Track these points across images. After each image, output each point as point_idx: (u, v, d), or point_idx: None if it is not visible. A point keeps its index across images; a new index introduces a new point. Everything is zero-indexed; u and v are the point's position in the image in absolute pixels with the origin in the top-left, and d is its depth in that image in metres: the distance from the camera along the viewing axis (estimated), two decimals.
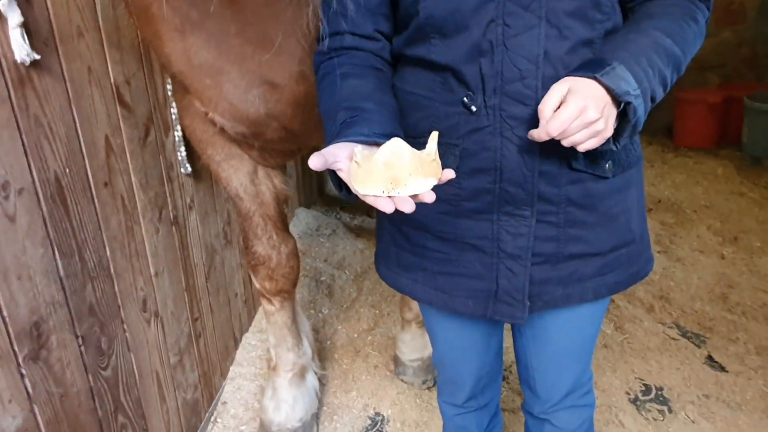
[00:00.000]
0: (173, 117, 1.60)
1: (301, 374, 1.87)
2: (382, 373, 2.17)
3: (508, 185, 0.99)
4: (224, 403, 2.01)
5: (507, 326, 1.30)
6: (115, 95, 1.34)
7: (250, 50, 1.20)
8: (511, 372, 2.11)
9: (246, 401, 2.03)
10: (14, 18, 0.98)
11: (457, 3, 0.90)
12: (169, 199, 1.63)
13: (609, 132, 0.87)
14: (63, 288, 1.15)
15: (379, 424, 1.95)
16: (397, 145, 0.79)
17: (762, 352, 2.21)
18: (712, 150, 4.54)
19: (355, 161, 0.79)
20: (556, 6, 0.89)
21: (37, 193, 1.08)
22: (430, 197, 0.79)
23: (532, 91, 0.91)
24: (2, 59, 0.99)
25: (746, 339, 2.29)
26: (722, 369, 2.15)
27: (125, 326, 1.39)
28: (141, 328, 1.47)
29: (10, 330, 1.01)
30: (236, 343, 2.25)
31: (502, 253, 1.04)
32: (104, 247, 1.30)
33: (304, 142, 1.53)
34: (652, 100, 0.90)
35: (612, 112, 0.86)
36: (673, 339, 2.32)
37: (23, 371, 1.04)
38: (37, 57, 1.04)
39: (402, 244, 1.13)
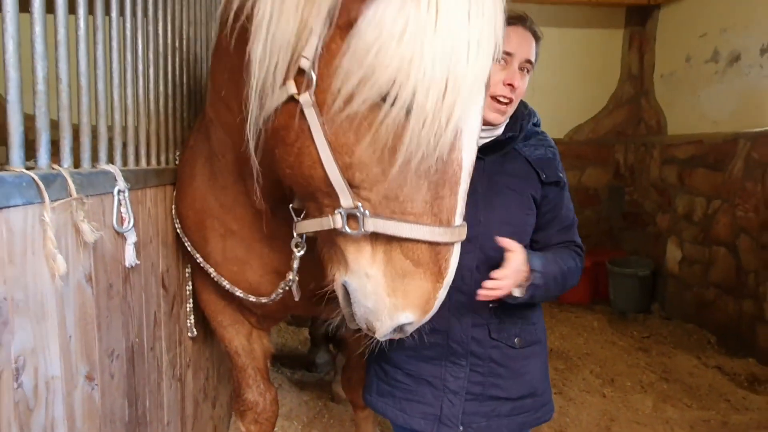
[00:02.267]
0: (188, 292, 2.06)
1: None
2: None
3: (452, 343, 1.57)
4: None
5: None
6: (161, 281, 1.81)
7: (267, 250, 1.75)
8: None
9: None
10: (132, 238, 1.48)
11: None
12: (178, 359, 2.01)
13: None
14: None
15: None
16: None
17: None
18: (588, 305, 5.49)
19: None
20: (485, 243, 1.54)
21: (123, 358, 1.49)
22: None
23: (469, 287, 1.53)
24: (119, 265, 1.47)
25: None
26: None
27: None
28: None
29: None
30: None
31: (446, 388, 1.61)
32: (146, 399, 1.67)
33: (292, 312, 2.04)
34: (548, 287, 1.50)
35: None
36: None
37: None
38: (138, 262, 1.53)
39: (381, 376, 1.68)
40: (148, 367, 1.69)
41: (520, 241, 1.57)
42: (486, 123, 1.54)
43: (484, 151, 1.59)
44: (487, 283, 1.41)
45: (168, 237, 1.87)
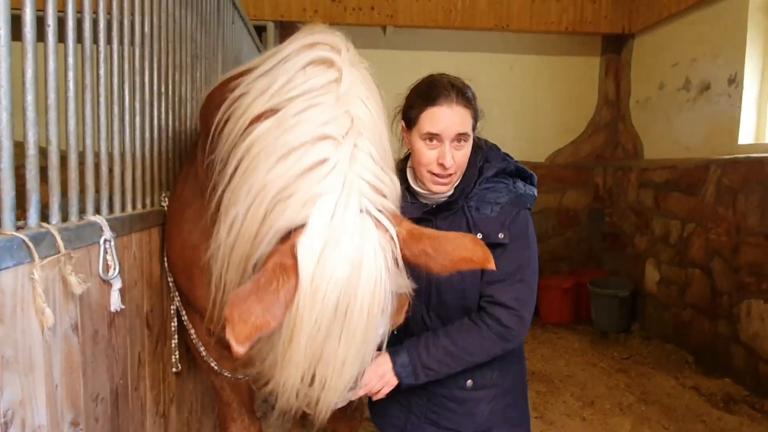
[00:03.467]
0: (173, 328, 2.10)
1: None
2: None
3: None
4: None
5: None
6: (146, 321, 1.86)
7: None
8: None
9: None
10: (117, 284, 1.54)
11: None
12: (162, 396, 2.05)
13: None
14: None
15: None
16: None
17: None
18: (570, 325, 5.58)
19: None
20: (432, 298, 1.70)
21: (107, 401, 1.53)
22: None
23: (420, 331, 1.71)
24: (105, 311, 1.52)
25: None
26: None
27: None
28: None
29: None
30: None
31: (410, 410, 1.81)
32: None
33: None
34: (432, 370, 1.63)
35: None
36: None
37: None
38: (123, 307, 1.58)
39: None
40: (132, 407, 1.73)
41: (461, 300, 1.69)
42: (435, 192, 1.65)
43: (434, 211, 1.67)
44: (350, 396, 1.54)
45: (152, 278, 1.92)
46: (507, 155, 1.77)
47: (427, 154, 1.58)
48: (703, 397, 3.94)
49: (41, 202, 1.22)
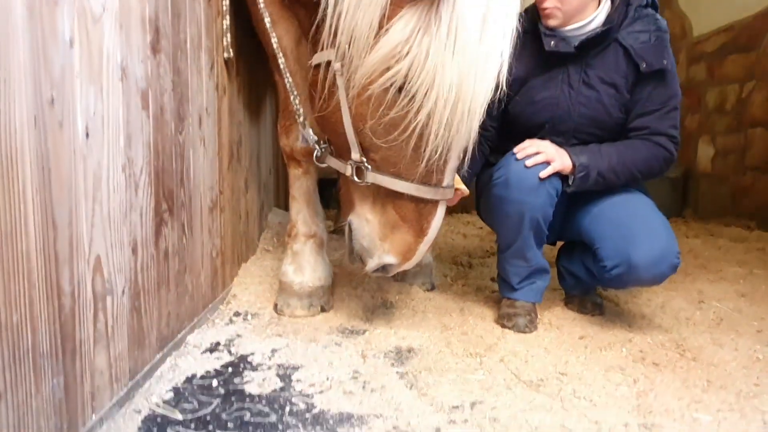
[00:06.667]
0: (224, 7, 1.91)
1: (320, 245, 1.98)
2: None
3: None
4: (234, 295, 2.03)
5: None
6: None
7: None
8: None
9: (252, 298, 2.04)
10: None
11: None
12: (215, 73, 1.86)
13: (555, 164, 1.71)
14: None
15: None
16: None
17: None
18: None
19: None
20: (576, 136, 1.78)
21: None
22: None
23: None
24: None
25: None
26: None
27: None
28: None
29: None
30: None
31: None
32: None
33: None
34: (602, 177, 1.71)
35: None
36: None
37: None
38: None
39: None
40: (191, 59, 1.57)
41: (610, 136, 1.78)
42: (546, 25, 1.75)
43: (583, 46, 1.72)
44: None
45: None
46: None
47: None
48: None
49: None
